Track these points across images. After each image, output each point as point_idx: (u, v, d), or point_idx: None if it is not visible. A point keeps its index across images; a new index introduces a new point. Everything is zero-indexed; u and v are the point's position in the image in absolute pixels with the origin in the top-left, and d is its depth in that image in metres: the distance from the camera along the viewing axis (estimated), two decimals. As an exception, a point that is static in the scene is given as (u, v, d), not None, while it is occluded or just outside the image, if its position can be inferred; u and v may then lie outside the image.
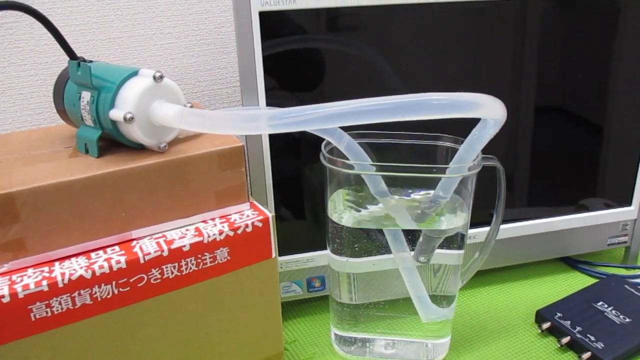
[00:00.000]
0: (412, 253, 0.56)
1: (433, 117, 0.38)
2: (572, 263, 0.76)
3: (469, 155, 0.50)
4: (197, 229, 0.48)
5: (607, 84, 0.67)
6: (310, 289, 0.65)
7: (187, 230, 0.48)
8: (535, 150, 0.68)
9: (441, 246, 0.56)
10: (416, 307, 0.58)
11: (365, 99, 0.39)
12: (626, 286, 0.68)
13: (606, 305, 0.65)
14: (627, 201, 0.73)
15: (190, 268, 0.47)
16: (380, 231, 0.55)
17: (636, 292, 0.67)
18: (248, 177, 0.59)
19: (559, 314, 0.63)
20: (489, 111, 0.41)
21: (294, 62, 0.59)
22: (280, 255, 0.62)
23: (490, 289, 0.72)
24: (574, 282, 0.73)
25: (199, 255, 0.47)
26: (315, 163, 0.55)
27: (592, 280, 0.72)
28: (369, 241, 0.55)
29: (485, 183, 0.56)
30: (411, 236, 0.55)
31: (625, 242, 0.75)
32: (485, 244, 0.59)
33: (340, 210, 0.55)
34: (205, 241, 0.47)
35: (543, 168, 0.70)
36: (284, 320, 0.66)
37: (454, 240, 0.56)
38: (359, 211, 0.57)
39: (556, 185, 0.72)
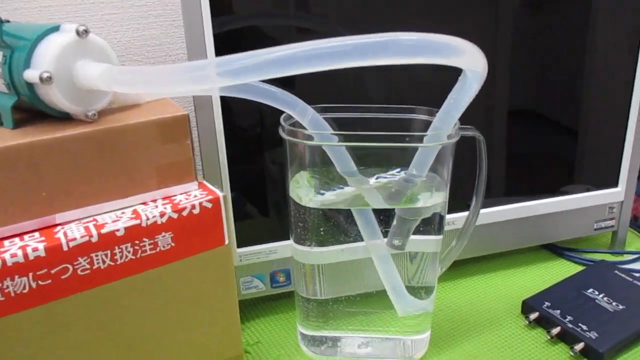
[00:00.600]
0: (386, 239, 0.50)
1: (402, 60, 0.33)
2: (557, 250, 0.71)
3: (446, 123, 0.45)
4: (134, 212, 0.41)
5: (582, 73, 0.63)
6: (274, 284, 0.58)
7: (122, 213, 0.41)
8: (512, 138, 0.63)
9: (418, 231, 0.50)
10: (392, 300, 0.52)
11: (327, 39, 0.33)
12: (617, 272, 0.63)
13: (597, 293, 0.59)
14: (613, 182, 0.68)
15: (126, 257, 0.40)
16: (350, 215, 0.49)
17: (628, 278, 0.62)
18: (198, 155, 0.53)
19: (547, 303, 0.58)
20: (469, 59, 0.36)
21: (249, 41, 0.53)
22: (239, 246, 0.56)
23: (472, 280, 0.66)
24: (561, 270, 0.68)
25: (137, 242, 0.40)
26: (277, 144, 0.49)
27: (580, 268, 0.67)
28: (336, 227, 0.49)
29: (463, 169, 0.50)
30: (384, 218, 0.49)
31: (613, 226, 0.70)
32: (466, 226, 0.53)
33: (304, 191, 0.49)
34: (144, 224, 0.40)
35: (523, 155, 0.65)
36: (245, 320, 0.60)
37: (432, 223, 0.50)
38: (324, 194, 0.50)
39: (537, 170, 0.67)
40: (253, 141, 0.55)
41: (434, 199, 0.50)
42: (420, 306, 0.53)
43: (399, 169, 0.51)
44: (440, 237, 0.52)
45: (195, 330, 0.45)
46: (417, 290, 0.52)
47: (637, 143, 0.67)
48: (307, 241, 0.49)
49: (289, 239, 0.52)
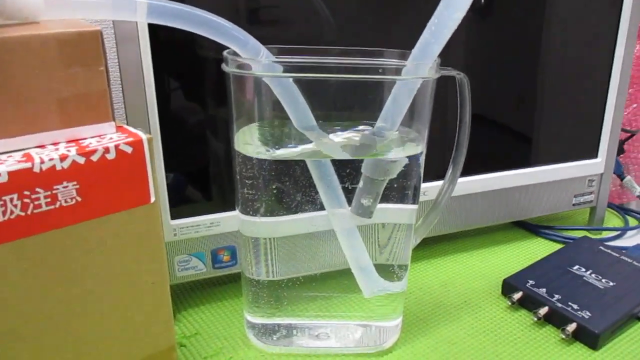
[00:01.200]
0: (350, 208, 0.42)
1: None
2: (532, 229, 0.65)
3: (426, 55, 0.37)
4: (26, 155, 0.31)
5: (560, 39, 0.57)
6: (217, 265, 0.49)
7: (9, 156, 0.31)
8: (487, 105, 0.56)
9: (390, 200, 0.42)
10: (357, 280, 0.44)
11: None
12: (602, 247, 0.57)
13: (584, 269, 0.53)
14: (592, 153, 0.63)
15: (12, 213, 0.30)
16: (308, 178, 0.40)
17: (614, 254, 0.56)
18: (121, 102, 0.43)
19: (530, 282, 0.51)
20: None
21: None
22: (174, 217, 0.46)
23: (445, 260, 0.58)
24: (538, 248, 0.61)
25: (27, 193, 0.30)
26: (221, 91, 0.40)
27: (558, 246, 0.61)
28: (292, 192, 0.40)
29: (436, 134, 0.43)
30: (348, 183, 0.41)
31: (591, 201, 0.65)
32: (448, 183, 0.45)
33: (253, 147, 0.40)
34: (37, 170, 0.30)
35: (497, 124, 0.59)
36: (181, 309, 0.50)
37: (405, 188, 0.42)
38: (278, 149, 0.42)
39: (513, 140, 0.60)
40: (190, 83, 0.45)
41: (406, 152, 0.42)
42: (390, 287, 0.45)
43: (365, 127, 0.42)
44: (415, 207, 0.44)
45: (109, 318, 0.35)
46: (388, 270, 0.44)
47: (618, 113, 0.62)
48: (256, 210, 0.40)
49: (234, 209, 0.43)
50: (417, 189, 0.43)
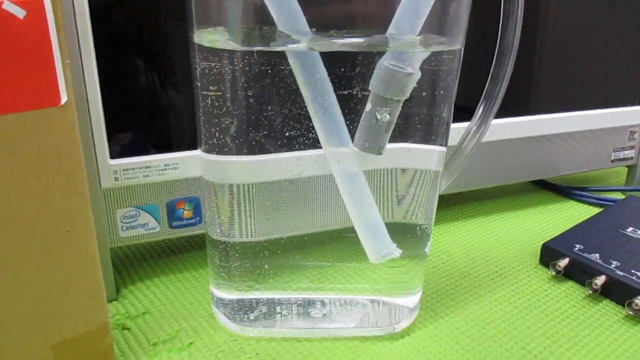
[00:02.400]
0: (354, 141, 0.30)
1: None
2: (563, 190, 0.54)
3: None
4: None
5: None
6: (175, 223, 0.37)
7: None
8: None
9: (410, 136, 0.31)
10: (362, 240, 0.32)
11: None
12: (656, 207, 0.47)
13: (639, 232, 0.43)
14: (636, 100, 0.52)
15: None
16: (295, 93, 0.28)
17: (673, 214, 0.45)
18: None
19: (578, 246, 0.40)
20: None
21: None
22: (115, 155, 0.34)
23: (465, 225, 0.47)
24: (573, 212, 0.50)
25: None
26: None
27: (596, 210, 0.51)
28: (273, 114, 0.29)
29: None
30: (349, 109, 0.29)
31: (631, 158, 0.54)
32: (478, 123, 0.34)
33: (221, 40, 0.28)
34: None
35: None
36: (128, 280, 0.38)
37: (433, 119, 0.31)
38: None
39: (545, 83, 0.49)
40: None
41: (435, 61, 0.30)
42: (405, 251, 0.34)
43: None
44: (444, 149, 0.33)
45: (12, 279, 0.23)
46: (407, 229, 0.33)
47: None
48: (223, 144, 0.28)
49: (194, 147, 0.31)
50: (447, 123, 0.32)
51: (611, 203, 0.51)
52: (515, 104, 0.48)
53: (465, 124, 0.34)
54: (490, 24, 0.31)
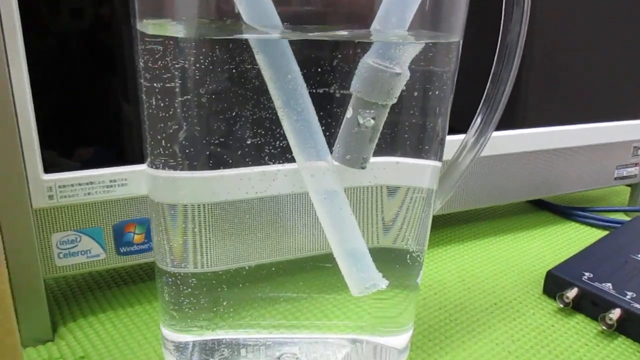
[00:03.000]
0: (333, 153, 0.26)
1: None
2: (561, 211, 0.50)
3: None
4: None
5: None
6: (124, 249, 0.32)
7: None
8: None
9: (399, 149, 0.26)
10: (343, 270, 0.27)
11: None
12: (668, 229, 0.42)
13: (654, 258, 0.38)
14: (637, 113, 0.49)
15: None
16: (262, 91, 0.24)
17: (687, 237, 0.41)
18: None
19: (587, 275, 0.36)
20: None
21: None
22: (49, 170, 0.29)
23: (458, 249, 0.42)
24: (575, 235, 0.46)
25: None
26: None
27: (600, 232, 0.46)
28: (234, 117, 0.24)
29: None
30: (327, 114, 0.25)
31: (635, 175, 0.50)
32: (476, 134, 0.29)
33: (170, 29, 0.23)
34: None
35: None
36: (67, 317, 0.32)
37: (426, 130, 0.26)
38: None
39: (542, 94, 0.45)
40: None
41: (427, 61, 0.26)
42: (393, 282, 0.29)
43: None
44: (438, 164, 0.28)
45: None
46: (395, 256, 0.28)
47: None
48: (172, 155, 0.23)
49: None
50: (442, 134, 0.27)
51: (615, 225, 0.47)
52: (510, 116, 0.44)
53: (461, 137, 0.29)
54: (491, 15, 0.27)
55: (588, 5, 0.44)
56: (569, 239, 0.45)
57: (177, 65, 0.21)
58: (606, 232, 0.46)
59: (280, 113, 0.25)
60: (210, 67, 0.22)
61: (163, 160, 0.22)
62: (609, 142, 0.47)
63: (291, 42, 0.24)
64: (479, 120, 0.28)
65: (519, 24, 0.26)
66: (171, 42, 0.21)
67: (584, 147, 0.46)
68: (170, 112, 0.22)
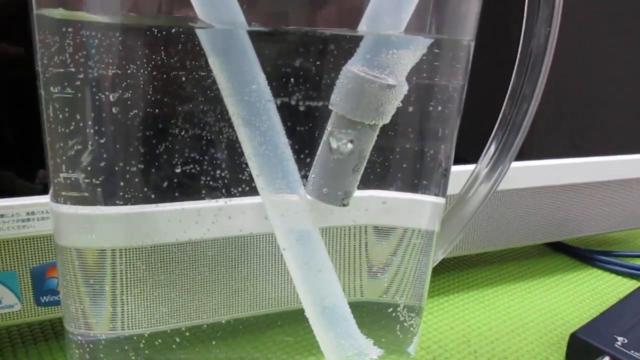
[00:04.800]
0: (307, 186, 0.20)
1: None
2: (583, 255, 0.44)
3: None
4: None
5: None
6: (45, 298, 0.25)
7: None
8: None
9: (391, 182, 0.21)
10: (317, 334, 0.21)
11: None
12: None
13: (699, 319, 0.32)
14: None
15: None
16: (212, 109, 0.18)
17: None
18: None
19: (620, 340, 0.29)
20: None
21: None
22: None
23: (464, 300, 0.36)
24: (600, 284, 0.40)
25: None
26: None
27: (628, 281, 0.40)
28: (167, 130, 0.18)
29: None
30: (300, 135, 0.19)
31: (664, 216, 0.44)
32: (491, 163, 0.23)
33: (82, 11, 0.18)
34: None
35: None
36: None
37: (425, 160, 0.20)
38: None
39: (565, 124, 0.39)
40: None
41: (429, 70, 0.20)
42: (377, 350, 0.22)
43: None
44: (441, 200, 0.22)
45: None
46: (383, 314, 0.22)
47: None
48: (75, 183, 0.17)
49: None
50: (446, 164, 0.21)
51: (644, 273, 0.40)
52: (523, 144, 0.38)
53: (469, 167, 0.23)
54: (511, 12, 0.21)
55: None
56: (592, 289, 0.39)
57: (79, 61, 0.15)
58: (633, 281, 0.40)
59: (240, 133, 0.19)
60: (136, 64, 0.16)
61: (64, 192, 0.16)
62: (637, 176, 0.41)
63: (257, 44, 0.18)
64: (493, 147, 0.22)
65: (547, 24, 0.20)
66: (73, 29, 0.15)
67: (611, 182, 0.40)
68: (72, 127, 0.16)
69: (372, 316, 0.23)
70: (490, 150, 0.22)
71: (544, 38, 0.20)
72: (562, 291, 0.38)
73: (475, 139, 0.24)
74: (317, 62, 0.20)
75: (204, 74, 0.18)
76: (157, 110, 0.16)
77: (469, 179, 0.23)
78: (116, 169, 0.16)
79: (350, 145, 0.18)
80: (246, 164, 0.19)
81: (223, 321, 0.21)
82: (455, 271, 0.40)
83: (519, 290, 0.38)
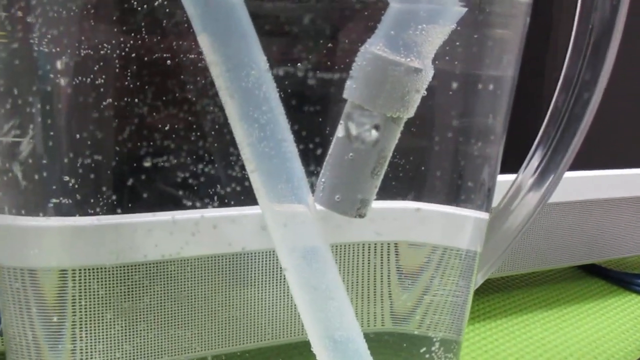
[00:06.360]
0: (315, 193, 0.16)
1: None
2: (620, 279, 0.39)
3: None
4: None
5: None
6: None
7: None
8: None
9: (425, 192, 0.17)
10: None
11: None
12: None
13: None
14: None
15: None
16: (198, 94, 0.14)
17: None
18: None
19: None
20: None
21: None
22: None
23: (492, 328, 0.32)
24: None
25: None
26: None
27: (672, 309, 0.36)
28: (138, 122, 0.14)
29: None
30: (309, 129, 0.16)
31: None
32: (539, 170, 0.19)
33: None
34: None
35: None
36: None
37: (466, 155, 0.17)
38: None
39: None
40: None
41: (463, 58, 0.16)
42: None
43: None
44: (485, 215, 0.18)
45: None
46: (413, 350, 0.18)
47: None
48: (13, 183, 0.13)
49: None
50: (493, 171, 0.17)
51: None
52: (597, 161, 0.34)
53: (510, 177, 0.19)
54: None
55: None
56: (634, 317, 0.34)
57: (17, 15, 0.11)
58: (679, 309, 0.36)
59: (234, 126, 0.15)
60: (101, 34, 0.13)
61: (4, 194, 0.13)
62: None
63: (257, 20, 0.15)
64: (541, 147, 0.18)
65: (608, 51, 0.16)
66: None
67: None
68: (9, 103, 0.12)
69: (396, 351, 0.19)
70: (538, 151, 0.18)
71: (610, 10, 0.16)
72: (601, 319, 0.34)
73: (520, 139, 0.20)
74: (331, 40, 0.16)
75: (188, 52, 0.15)
76: (124, 91, 0.13)
77: (510, 188, 0.19)
78: (66, 161, 0.12)
79: (375, 133, 0.14)
80: (240, 163, 0.15)
81: (208, 358, 0.17)
82: (477, 296, 0.36)
83: (552, 318, 0.34)
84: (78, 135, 0.12)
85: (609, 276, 0.40)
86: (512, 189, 0.19)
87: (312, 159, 0.16)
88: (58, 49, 0.11)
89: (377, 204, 0.17)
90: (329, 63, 0.16)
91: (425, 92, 0.16)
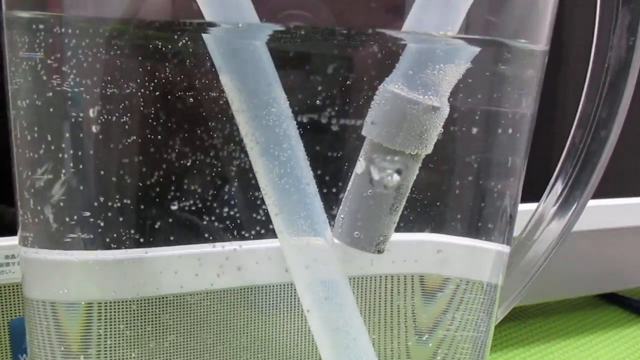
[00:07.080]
0: (334, 228, 0.16)
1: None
2: (637, 306, 0.39)
3: None
4: None
5: None
6: (25, 357, 0.22)
7: None
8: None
9: (445, 225, 0.17)
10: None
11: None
12: None
13: None
14: None
15: None
16: (221, 135, 0.14)
17: None
18: None
19: None
20: None
21: None
22: None
23: (508, 358, 0.32)
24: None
25: None
26: None
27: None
28: (165, 156, 0.14)
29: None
30: (328, 168, 0.16)
31: None
32: (561, 198, 0.19)
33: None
34: None
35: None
36: None
37: (485, 188, 0.17)
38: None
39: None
40: None
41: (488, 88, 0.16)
42: None
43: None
44: (506, 248, 0.18)
45: None
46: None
47: None
48: (45, 223, 0.13)
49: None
50: (512, 201, 0.17)
51: None
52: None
53: (530, 206, 0.19)
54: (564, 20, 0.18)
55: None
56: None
57: (52, 66, 0.12)
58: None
59: (255, 163, 0.15)
60: (126, 77, 0.13)
61: (32, 233, 0.13)
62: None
63: (277, 58, 0.15)
64: (560, 181, 0.18)
65: (630, 34, 0.16)
66: (45, 26, 0.12)
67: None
68: (42, 150, 0.12)
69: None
70: (557, 185, 0.18)
71: (625, 50, 0.16)
72: (622, 348, 0.33)
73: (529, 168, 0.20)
74: (350, 78, 0.16)
75: (211, 91, 0.15)
76: (149, 133, 0.13)
77: (530, 219, 0.19)
78: (95, 205, 0.12)
79: (397, 177, 0.14)
80: (261, 200, 0.15)
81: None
82: (495, 325, 0.36)
83: (571, 347, 0.33)
84: (106, 180, 0.12)
85: (627, 304, 0.39)
86: (533, 220, 0.19)
87: (330, 195, 0.16)
88: (88, 97, 0.12)
89: (395, 237, 0.17)
90: (347, 101, 0.17)
91: (442, 130, 0.16)
